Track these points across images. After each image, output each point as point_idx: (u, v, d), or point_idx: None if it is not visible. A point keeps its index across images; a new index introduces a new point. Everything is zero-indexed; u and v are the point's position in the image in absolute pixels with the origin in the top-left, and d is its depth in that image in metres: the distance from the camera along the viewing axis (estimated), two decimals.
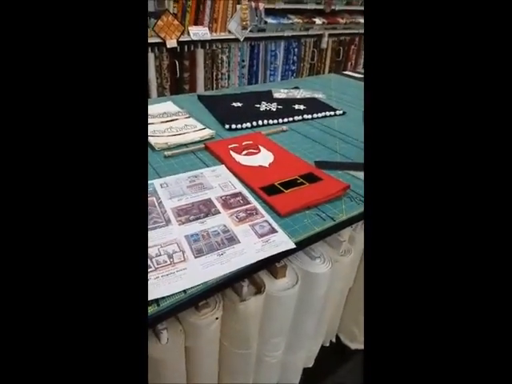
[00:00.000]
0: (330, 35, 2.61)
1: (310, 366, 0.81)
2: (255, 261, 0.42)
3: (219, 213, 0.50)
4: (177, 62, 2.37)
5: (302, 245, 0.47)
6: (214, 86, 2.57)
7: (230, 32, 2.42)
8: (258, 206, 0.52)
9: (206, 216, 0.49)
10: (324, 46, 2.61)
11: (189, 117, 0.84)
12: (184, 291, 0.38)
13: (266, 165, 0.64)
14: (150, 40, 2.14)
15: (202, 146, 0.70)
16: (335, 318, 0.83)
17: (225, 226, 0.48)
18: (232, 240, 0.45)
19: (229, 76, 2.59)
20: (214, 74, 2.55)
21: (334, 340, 0.89)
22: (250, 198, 0.54)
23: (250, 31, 2.45)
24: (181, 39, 2.27)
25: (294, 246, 0.45)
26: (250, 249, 0.44)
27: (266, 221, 0.49)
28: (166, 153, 0.66)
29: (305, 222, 0.50)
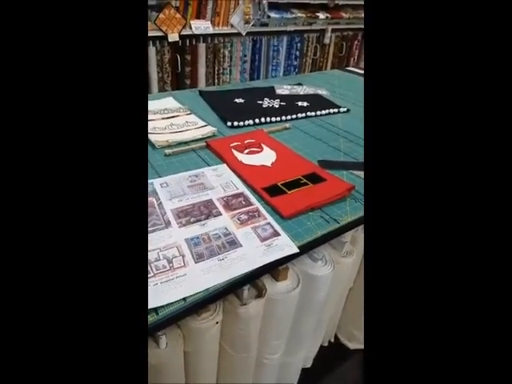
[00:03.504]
0: (333, 30, 2.57)
1: (309, 366, 0.80)
2: (258, 266, 0.40)
3: (220, 214, 0.48)
4: (178, 57, 2.34)
5: (305, 248, 0.45)
6: (216, 81, 2.53)
7: (232, 26, 2.38)
8: (261, 208, 0.50)
9: (207, 218, 0.48)
10: (327, 41, 2.57)
11: (190, 113, 0.81)
12: (184, 299, 0.36)
13: (269, 164, 0.62)
14: (152, 33, 2.11)
15: (204, 143, 0.68)
16: (334, 318, 0.82)
17: (226, 228, 0.46)
18: (233, 244, 0.43)
19: (230, 71, 2.55)
20: (216, 68, 2.51)
21: (332, 340, 0.88)
22: (252, 198, 0.52)
23: (253, 25, 2.41)
24: (182, 33, 2.23)
25: (297, 251, 0.43)
26: (252, 253, 0.42)
27: (269, 223, 0.47)
28: (167, 151, 0.64)
29: (308, 224, 0.48)
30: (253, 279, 0.41)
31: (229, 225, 0.47)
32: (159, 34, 2.17)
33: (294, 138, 0.74)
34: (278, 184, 0.56)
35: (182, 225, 0.46)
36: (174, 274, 0.38)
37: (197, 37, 2.32)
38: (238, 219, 0.48)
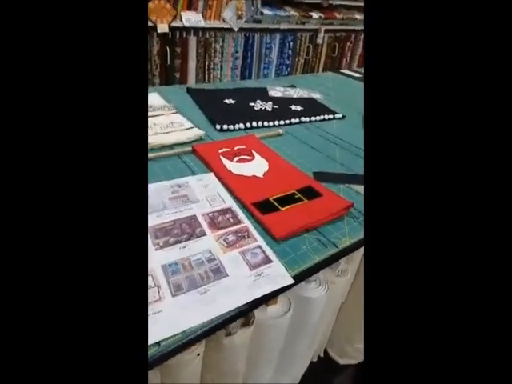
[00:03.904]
0: (326, 31, 2.51)
1: (297, 383, 0.76)
2: (246, 302, 0.34)
3: (205, 234, 0.42)
4: (168, 49, 2.24)
5: (301, 277, 0.39)
6: (206, 76, 2.44)
7: (224, 21, 2.29)
8: (250, 227, 0.44)
9: (189, 239, 0.41)
10: (320, 41, 2.51)
11: (176, 112, 0.74)
12: (158, 343, 0.30)
13: (260, 175, 0.56)
14: None
15: (189, 148, 0.61)
16: (325, 333, 0.77)
17: (210, 252, 0.39)
18: (218, 272, 0.37)
19: (221, 67, 2.47)
20: (207, 63, 2.42)
21: (322, 355, 0.84)
22: (241, 215, 0.46)
23: (246, 21, 2.32)
24: (173, 25, 2.13)
25: (291, 282, 0.37)
26: (240, 284, 0.36)
27: (260, 246, 0.41)
28: (148, 155, 0.57)
29: (304, 248, 0.42)
30: (239, 316, 0.35)
31: (214, 248, 0.40)
32: (148, 24, 2.06)
33: (287, 145, 0.68)
34: (270, 199, 0.50)
35: (160, 247, 0.39)
36: (148, 310, 0.32)
37: (187, 29, 2.22)
38: (225, 241, 0.41)
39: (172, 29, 2.14)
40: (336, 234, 0.45)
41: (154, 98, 0.80)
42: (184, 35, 2.25)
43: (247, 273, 0.37)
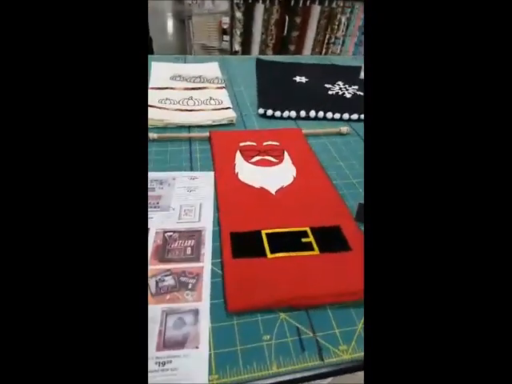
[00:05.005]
0: None
1: None
2: None
3: None
4: (287, 18, 2.06)
5: None
6: (324, 50, 2.18)
7: None
8: (207, 273, 0.29)
9: None
10: None
11: (223, 87, 0.60)
12: None
13: (272, 190, 0.38)
14: None
15: (207, 134, 0.47)
16: None
17: None
18: None
19: (343, 41, 2.15)
20: (327, 36, 2.15)
21: None
22: (207, 248, 0.31)
23: None
24: None
25: None
26: None
27: (197, 312, 0.26)
28: (152, 135, 0.45)
29: (263, 340, 0.25)
30: None
31: None
32: None
33: (345, 151, 0.46)
34: (263, 232, 0.32)
35: None
36: None
37: None
38: (157, 283, 0.27)
39: None
40: (334, 332, 0.25)
41: (211, 69, 0.67)
42: (307, 3, 2.02)
43: (151, 353, 0.23)
